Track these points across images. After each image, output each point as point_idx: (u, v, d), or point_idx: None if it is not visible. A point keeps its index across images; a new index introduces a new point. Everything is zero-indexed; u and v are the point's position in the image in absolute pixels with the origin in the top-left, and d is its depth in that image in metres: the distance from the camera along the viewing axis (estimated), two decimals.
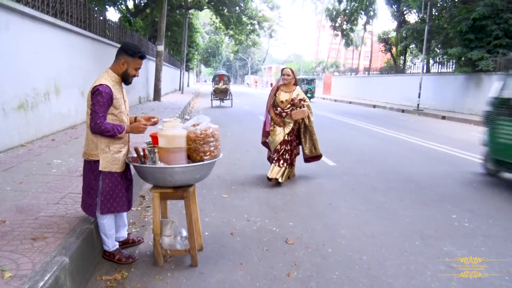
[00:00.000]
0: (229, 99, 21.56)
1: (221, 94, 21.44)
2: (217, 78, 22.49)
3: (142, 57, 3.32)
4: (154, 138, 3.29)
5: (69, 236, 3.11)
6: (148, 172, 3.20)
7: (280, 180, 5.91)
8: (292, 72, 6.03)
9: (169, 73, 30.44)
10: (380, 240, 4.04)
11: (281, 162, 5.96)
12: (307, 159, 6.41)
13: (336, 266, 3.46)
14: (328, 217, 4.69)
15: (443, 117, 19.19)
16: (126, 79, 3.30)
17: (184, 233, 3.54)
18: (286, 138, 5.99)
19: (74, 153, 6.19)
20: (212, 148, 3.27)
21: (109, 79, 3.16)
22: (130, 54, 3.22)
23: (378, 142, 10.70)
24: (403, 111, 22.54)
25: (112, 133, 3.12)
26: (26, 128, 6.95)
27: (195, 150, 3.23)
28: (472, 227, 4.48)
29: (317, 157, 6.41)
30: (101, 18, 12.03)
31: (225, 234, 4.12)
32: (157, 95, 19.79)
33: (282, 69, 6.14)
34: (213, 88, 21.72)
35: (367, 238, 4.09)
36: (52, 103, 8.00)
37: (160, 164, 3.11)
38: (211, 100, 21.27)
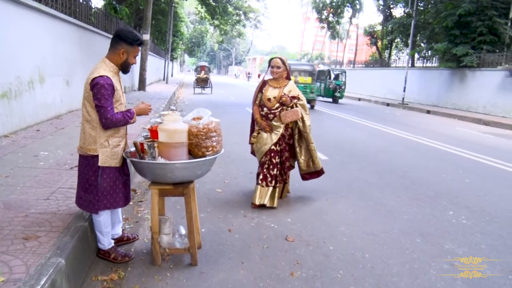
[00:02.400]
0: (209, 87, 24.77)
1: (202, 82, 24.71)
2: (198, 69, 25.78)
3: (141, 44, 3.17)
4: (153, 132, 3.13)
5: (64, 235, 2.95)
6: (147, 168, 3.05)
7: (268, 204, 4.64)
8: (283, 62, 4.69)
9: (154, 63, 29.94)
10: (381, 237, 3.98)
11: (268, 180, 4.69)
12: (304, 176, 5.12)
13: (339, 265, 3.38)
14: (326, 214, 4.61)
15: (428, 112, 19.37)
16: (125, 68, 3.14)
17: (183, 231, 3.41)
18: (273, 147, 4.71)
19: (61, 145, 5.97)
20: (215, 143, 3.14)
21: (107, 70, 2.99)
22: (129, 43, 3.04)
23: (368, 136, 10.69)
24: (388, 104, 22.68)
25: (124, 122, 3.01)
26: (9, 118, 6.68)
27: (197, 145, 3.09)
28: (470, 224, 4.46)
29: (316, 173, 5.08)
30: (85, 4, 11.67)
31: (223, 231, 4.01)
32: (142, 85, 19.47)
33: (271, 59, 4.79)
34: (196, 77, 25.11)
35: (367, 235, 4.02)
36: (36, 92, 7.72)
37: (160, 160, 2.97)
38: (194, 87, 24.77)
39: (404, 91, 22.44)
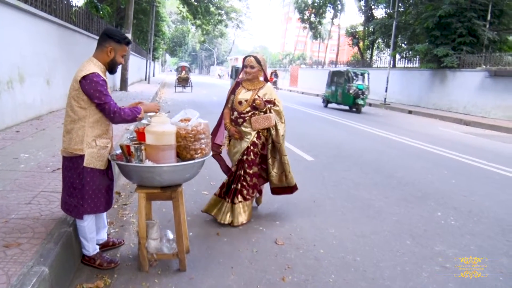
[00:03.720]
0: (189, 86, 25.95)
1: (183, 82, 25.95)
2: (179, 69, 27.13)
3: (129, 43, 3.09)
4: (140, 134, 3.03)
5: (47, 242, 2.83)
6: (134, 171, 2.95)
7: (236, 222, 4.09)
8: (258, 62, 4.12)
9: (136, 63, 29.54)
10: (371, 239, 3.95)
11: (224, 190, 4.25)
12: (275, 190, 4.50)
13: (331, 269, 3.33)
14: (314, 215, 4.56)
15: (410, 112, 19.58)
16: (113, 67, 3.06)
17: (171, 235, 3.31)
18: (242, 157, 4.17)
19: (42, 147, 5.79)
20: (204, 146, 3.06)
21: (96, 68, 2.89)
22: (117, 41, 2.97)
23: (352, 136, 10.72)
24: (370, 104, 22.81)
25: (132, 116, 2.96)
26: None
27: (186, 147, 3.00)
28: (458, 225, 4.47)
29: (289, 189, 4.46)
30: (66, 2, 11.41)
31: (211, 234, 3.92)
32: (124, 85, 19.18)
33: (244, 58, 4.23)
34: (177, 77, 26.46)
35: (357, 237, 3.99)
36: (16, 92, 7.48)
37: (147, 163, 2.87)
38: (175, 86, 25.99)
39: (386, 91, 22.64)
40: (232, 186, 4.19)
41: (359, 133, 11.42)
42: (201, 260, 3.40)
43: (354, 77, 18.31)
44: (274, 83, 33.84)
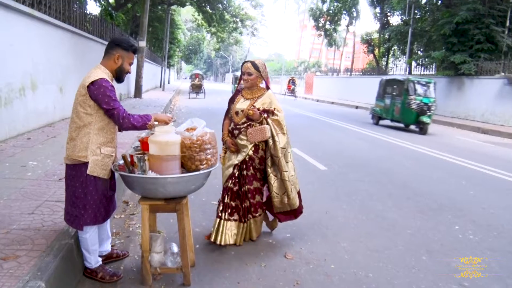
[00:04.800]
0: (202, 92, 27.19)
1: (196, 88, 27.33)
2: (193, 76, 28.93)
3: (136, 51, 3.04)
4: (144, 143, 2.94)
5: (46, 255, 2.74)
6: (137, 182, 2.85)
7: (223, 242, 3.70)
8: (257, 68, 3.72)
9: (150, 70, 29.79)
10: (385, 254, 3.78)
11: (228, 212, 3.76)
12: (278, 215, 3.99)
13: (342, 286, 3.17)
14: (326, 228, 4.40)
15: None
16: (120, 75, 3.01)
17: (175, 248, 3.19)
18: (239, 171, 3.77)
19: (51, 154, 5.75)
20: (209, 156, 2.94)
21: (104, 75, 2.83)
22: (124, 48, 2.93)
23: (367, 144, 10.51)
24: None
25: (142, 123, 2.89)
26: None
27: (190, 158, 2.89)
28: (477, 240, 4.26)
29: (293, 212, 3.98)
30: (82, 10, 11.50)
31: (218, 247, 3.78)
32: (138, 92, 19.26)
33: (242, 64, 3.85)
34: (191, 84, 28.09)
35: (370, 252, 3.82)
36: (28, 100, 7.51)
37: (150, 174, 2.77)
38: (189, 93, 27.43)
39: None
40: (225, 201, 3.76)
41: (373, 141, 11.20)
42: (206, 274, 3.27)
43: (417, 88, 14.42)
44: (292, 91, 33.59)
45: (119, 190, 4.42)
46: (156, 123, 2.95)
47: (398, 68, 29.86)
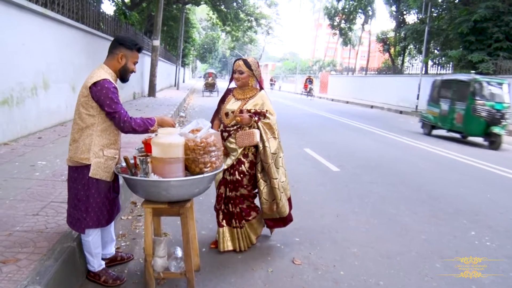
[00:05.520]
0: (216, 90, 28.15)
1: (210, 86, 28.43)
2: (207, 75, 30.11)
3: (140, 49, 2.97)
4: (148, 145, 2.86)
5: (46, 258, 2.68)
6: (139, 185, 2.77)
7: (221, 249, 3.63)
8: (248, 66, 3.50)
9: (165, 69, 29.96)
10: (397, 261, 3.64)
11: (220, 218, 3.67)
12: (267, 222, 3.84)
13: None
14: (336, 232, 4.28)
15: None
16: (124, 75, 2.93)
17: (180, 253, 3.12)
18: (227, 176, 3.60)
19: (60, 154, 5.73)
20: (214, 159, 2.85)
21: (107, 75, 2.76)
22: (128, 47, 2.85)
23: (381, 145, 10.32)
24: (401, 112, 22.23)
25: (144, 128, 2.83)
26: (10, 125, 6.48)
27: (194, 160, 2.80)
28: (494, 247, 4.09)
29: (282, 220, 3.81)
30: (95, 10, 11.53)
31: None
32: (152, 91, 19.31)
33: (234, 62, 3.66)
34: (204, 82, 29.34)
35: (382, 258, 3.69)
36: (40, 99, 7.53)
37: (153, 177, 2.69)
38: (203, 91, 28.80)
39: (417, 98, 21.98)
40: (217, 207, 3.70)
41: (387, 142, 11.00)
42: (211, 279, 3.19)
43: (487, 90, 11.46)
44: (309, 91, 33.26)
45: (127, 191, 4.38)
46: (159, 127, 2.89)
47: (414, 67, 29.41)
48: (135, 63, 2.98)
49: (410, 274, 3.42)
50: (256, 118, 3.46)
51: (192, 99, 24.16)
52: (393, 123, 16.53)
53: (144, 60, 19.78)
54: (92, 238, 2.93)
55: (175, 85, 31.59)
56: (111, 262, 3.31)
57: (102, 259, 3.18)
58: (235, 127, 3.51)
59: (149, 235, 2.89)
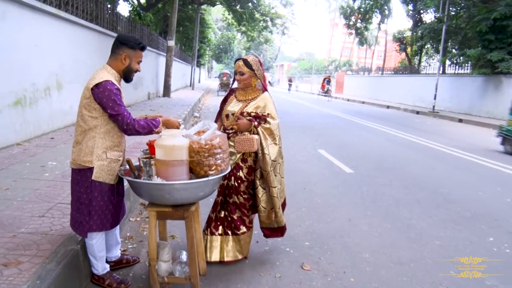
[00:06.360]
0: None
1: (225, 86, 28.96)
2: (221, 75, 31.17)
3: (143, 48, 2.89)
4: (152, 147, 2.80)
5: (48, 261, 2.63)
6: (142, 188, 2.70)
7: (211, 258, 3.39)
8: (250, 66, 3.31)
9: (180, 69, 30.10)
10: (410, 268, 3.51)
11: (212, 225, 3.46)
12: (264, 230, 3.59)
13: None
14: (348, 236, 4.17)
15: (460, 120, 18.54)
16: (128, 75, 2.87)
17: (185, 257, 3.05)
18: (223, 181, 3.39)
19: (71, 154, 5.71)
20: (219, 162, 2.76)
21: (110, 76, 2.71)
22: (131, 47, 2.78)
23: (396, 146, 10.13)
24: (417, 112, 21.89)
25: (148, 130, 2.77)
26: (23, 126, 6.51)
27: (199, 163, 2.72)
28: None
29: (279, 230, 3.57)
30: (109, 11, 11.58)
31: None
32: (167, 91, 19.34)
33: (234, 62, 3.45)
34: (219, 82, 30.33)
35: (394, 265, 3.56)
36: (53, 99, 7.56)
37: (156, 179, 2.62)
38: (218, 90, 29.47)
39: (434, 98, 21.60)
40: (210, 215, 3.51)
41: (403, 143, 10.78)
42: (217, 284, 3.11)
43: None
44: (327, 91, 32.78)
45: None
46: (164, 128, 2.82)
47: (431, 67, 28.98)
48: (139, 62, 2.91)
49: (424, 282, 3.28)
50: (256, 123, 3.27)
51: (207, 99, 24.18)
52: (409, 123, 16.24)
53: (159, 61, 19.84)
54: (96, 242, 2.88)
55: (190, 85, 31.75)
56: (117, 265, 3.27)
57: (107, 262, 3.14)
58: (234, 130, 3.33)
59: (153, 239, 2.82)
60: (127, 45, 2.79)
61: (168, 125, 2.92)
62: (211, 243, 3.42)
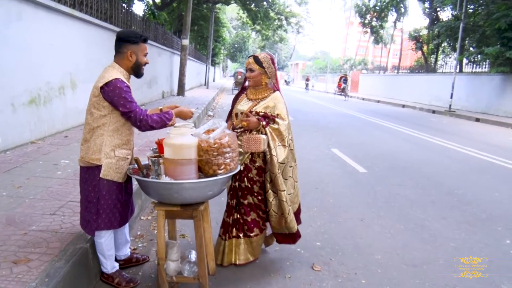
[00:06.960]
0: None
1: (239, 85, 28.83)
2: (236, 74, 31.52)
3: (146, 40, 2.87)
4: (160, 146, 2.78)
5: (57, 259, 2.64)
6: (151, 187, 2.70)
7: (224, 262, 3.35)
8: (260, 64, 3.20)
9: (195, 68, 30.27)
10: (423, 270, 3.44)
11: (230, 229, 3.37)
12: (276, 236, 3.49)
13: None
14: (360, 237, 4.11)
15: (477, 120, 18.21)
16: (138, 71, 2.87)
17: (194, 257, 3.03)
18: (234, 183, 3.32)
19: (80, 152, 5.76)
20: (228, 161, 2.74)
21: (118, 74, 2.70)
22: (134, 42, 2.77)
23: (411, 146, 9.99)
24: (433, 111, 21.58)
25: (162, 123, 2.76)
26: (38, 124, 6.58)
27: (208, 162, 2.70)
28: None
29: (290, 237, 3.41)
30: (124, 10, 11.66)
31: None
32: (181, 90, 19.43)
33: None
34: (234, 81, 30.67)
35: (407, 266, 3.50)
36: (67, 98, 7.64)
37: (165, 178, 2.61)
38: (232, 89, 29.92)
39: (451, 97, 21.27)
40: (225, 219, 3.41)
41: (419, 142, 10.63)
42: (226, 284, 3.09)
43: None
44: (343, 90, 32.31)
45: None
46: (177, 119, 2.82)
47: (448, 66, 28.52)
48: (145, 55, 2.89)
49: (437, 285, 3.21)
50: (264, 123, 3.16)
51: (221, 98, 24.21)
52: (425, 123, 16.01)
53: (174, 59, 19.93)
54: (105, 240, 2.88)
55: (204, 84, 31.86)
56: (126, 263, 3.27)
57: (117, 260, 3.14)
58: (242, 129, 3.22)
59: (162, 238, 2.80)
60: (129, 41, 2.78)
61: (182, 115, 2.92)
62: (229, 247, 3.34)
